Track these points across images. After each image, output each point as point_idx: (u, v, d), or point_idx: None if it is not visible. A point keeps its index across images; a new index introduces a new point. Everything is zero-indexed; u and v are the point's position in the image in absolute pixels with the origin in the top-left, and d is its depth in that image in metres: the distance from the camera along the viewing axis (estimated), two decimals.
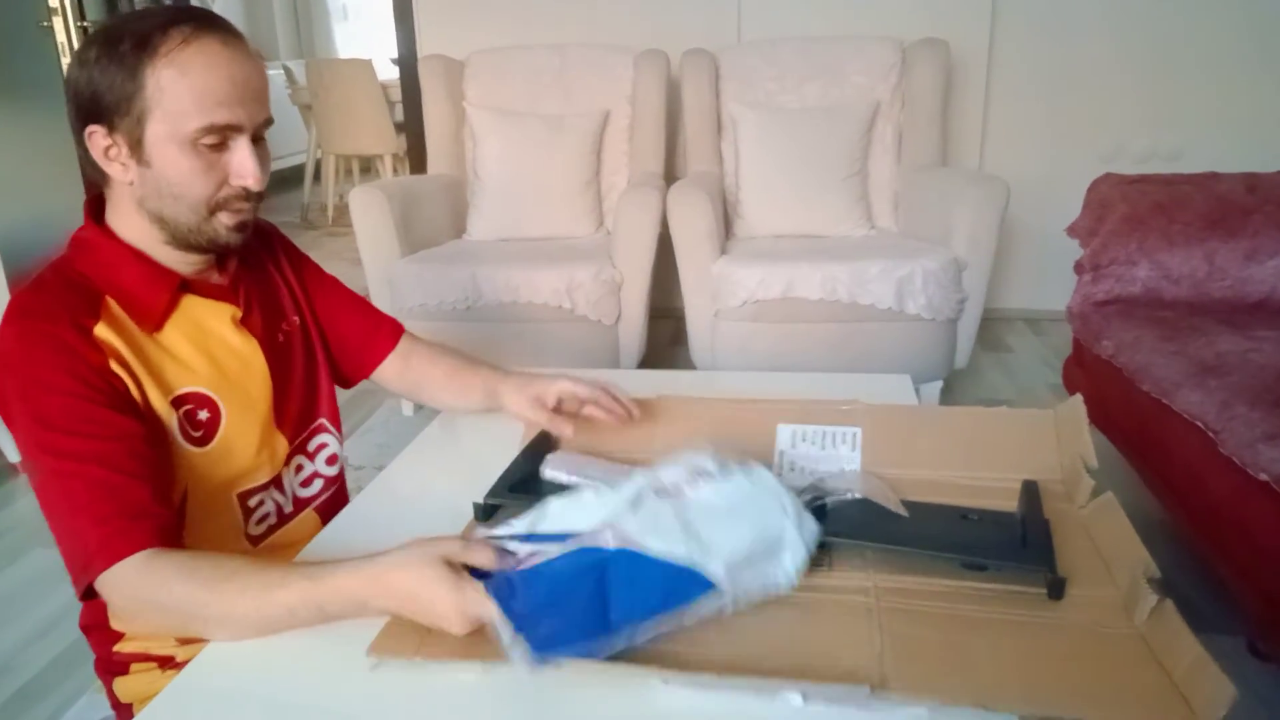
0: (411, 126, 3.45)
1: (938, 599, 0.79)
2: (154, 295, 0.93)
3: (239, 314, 1.01)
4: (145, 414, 0.89)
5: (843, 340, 2.31)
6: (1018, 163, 3.18)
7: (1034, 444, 1.04)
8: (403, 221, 2.59)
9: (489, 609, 0.70)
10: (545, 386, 1.13)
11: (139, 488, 0.82)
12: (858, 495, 0.94)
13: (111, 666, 1.01)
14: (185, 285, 0.97)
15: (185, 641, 0.97)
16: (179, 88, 0.85)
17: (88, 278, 0.90)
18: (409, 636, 0.74)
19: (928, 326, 2.31)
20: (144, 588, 0.79)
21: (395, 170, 5.31)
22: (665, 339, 3.19)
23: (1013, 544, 0.87)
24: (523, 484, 0.98)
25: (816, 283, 2.25)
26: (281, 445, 1.05)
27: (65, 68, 2.68)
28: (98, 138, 0.88)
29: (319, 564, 0.78)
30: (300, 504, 1.09)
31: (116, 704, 1.03)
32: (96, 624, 1.00)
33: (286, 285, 1.12)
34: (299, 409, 1.09)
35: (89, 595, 0.82)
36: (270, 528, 1.05)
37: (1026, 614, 0.77)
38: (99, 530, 0.79)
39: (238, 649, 0.77)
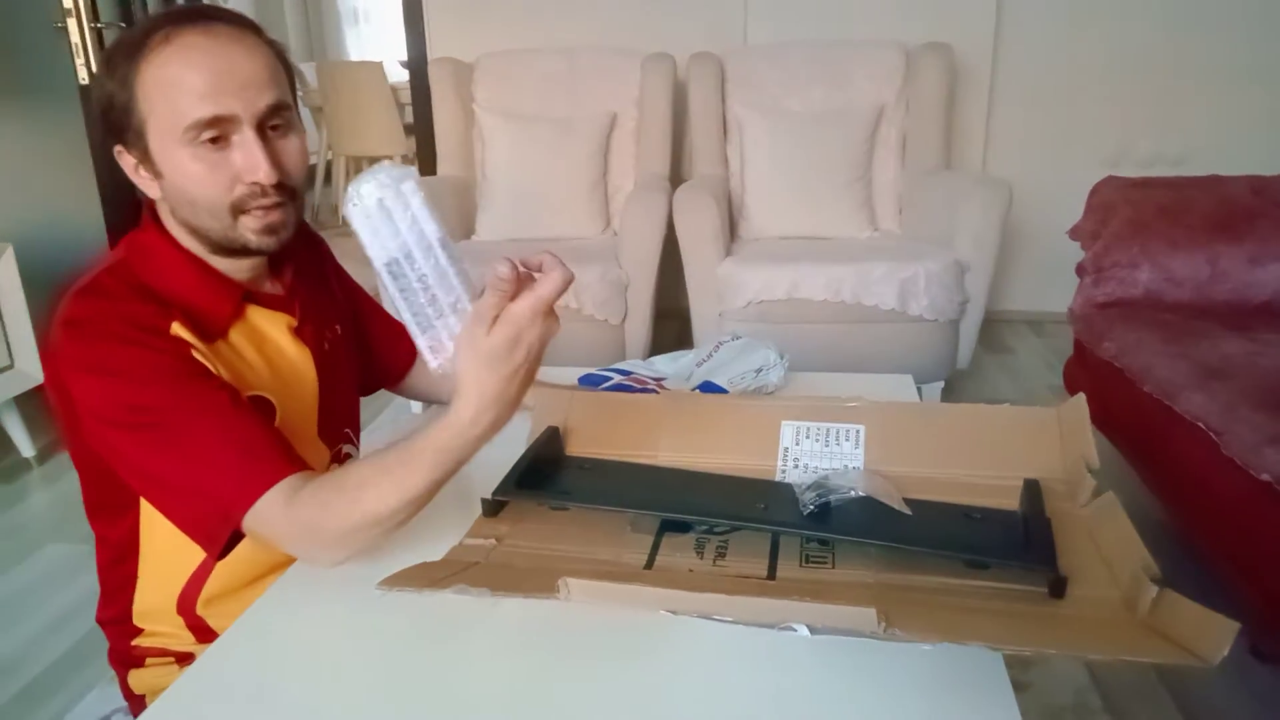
0: (421, 128, 3.46)
1: (940, 596, 0.79)
2: (219, 305, 0.91)
3: (295, 324, 0.99)
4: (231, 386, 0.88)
5: (846, 341, 2.32)
6: (1021, 166, 3.19)
7: (1036, 443, 1.04)
8: None
9: (544, 287, 0.73)
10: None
11: (254, 424, 0.82)
12: (861, 493, 0.94)
13: (127, 659, 1.01)
14: (249, 295, 0.95)
15: (204, 639, 0.97)
16: (163, 89, 0.82)
17: (150, 287, 0.87)
18: (419, 577, 0.74)
19: (930, 328, 2.32)
20: (298, 514, 0.78)
21: None
22: (670, 339, 3.19)
23: (1015, 543, 0.87)
24: (530, 479, 0.98)
25: (821, 284, 2.27)
26: (323, 454, 1.04)
27: (78, 69, 2.71)
28: (124, 157, 0.87)
29: (423, 437, 0.77)
30: None
31: (129, 695, 1.03)
32: (117, 618, 1.00)
33: (331, 293, 1.11)
34: (339, 419, 1.08)
35: (227, 552, 0.81)
36: None
37: (1027, 610, 0.77)
38: (230, 475, 0.78)
39: (252, 642, 0.77)
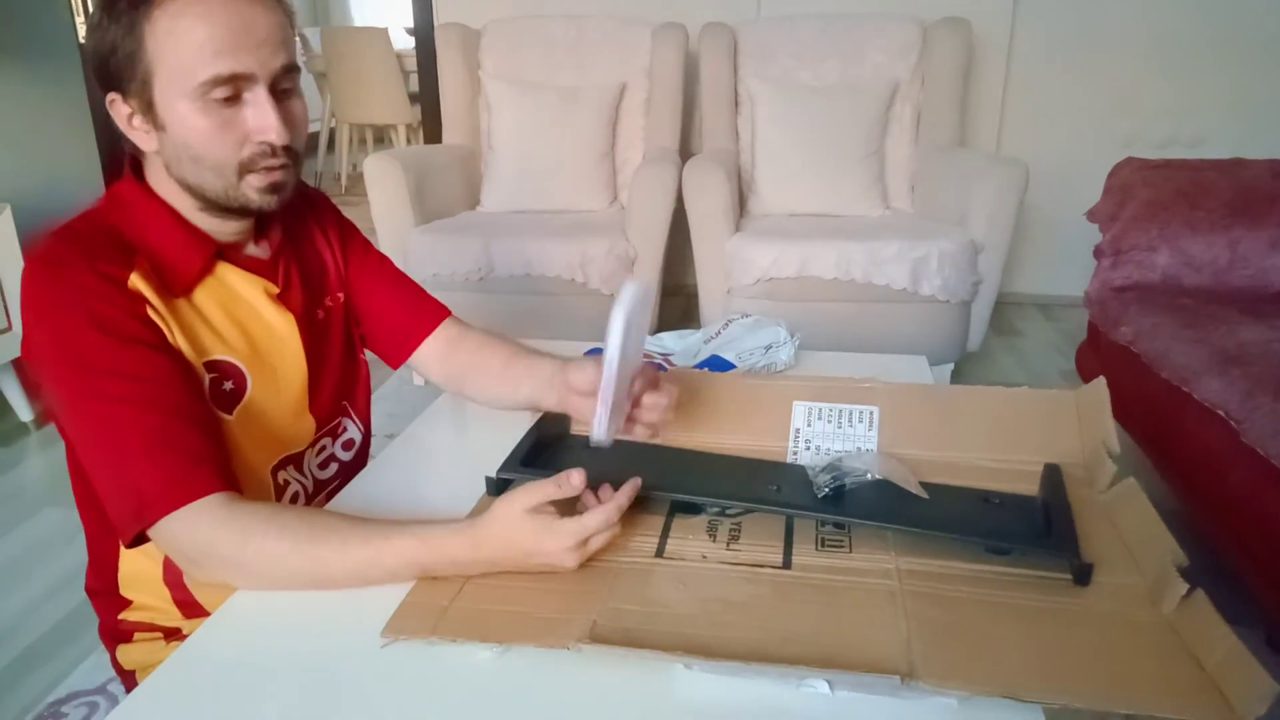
0: (427, 96, 3.42)
1: (962, 583, 0.77)
2: (187, 259, 0.88)
3: (275, 290, 0.96)
4: (185, 365, 0.86)
5: (855, 320, 2.29)
6: (1035, 146, 3.14)
7: (1055, 426, 1.02)
8: (417, 191, 2.56)
9: (586, 523, 0.76)
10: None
11: (193, 430, 0.79)
12: (877, 476, 0.92)
13: (115, 633, 1.00)
14: (221, 253, 0.92)
15: (191, 615, 0.95)
16: (176, 40, 0.79)
17: (120, 232, 0.85)
18: (423, 617, 0.73)
19: (942, 308, 2.29)
20: (216, 538, 0.76)
21: (409, 140, 5.28)
22: (676, 315, 3.16)
23: (1036, 528, 0.85)
24: (536, 457, 0.97)
25: (831, 262, 2.23)
26: (308, 426, 1.02)
27: (78, 27, 2.67)
28: (118, 105, 0.84)
29: (415, 523, 0.78)
30: (319, 486, 1.06)
31: (120, 670, 1.02)
32: (104, 589, 0.98)
33: (334, 260, 1.07)
34: (333, 391, 1.05)
35: (137, 542, 0.79)
36: None
37: (1052, 600, 0.75)
38: (157, 474, 0.76)
39: (243, 620, 0.76)
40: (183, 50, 0.79)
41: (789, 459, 1.02)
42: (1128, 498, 0.88)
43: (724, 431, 1.06)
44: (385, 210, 2.53)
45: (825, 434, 1.06)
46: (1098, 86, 3.17)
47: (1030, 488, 0.94)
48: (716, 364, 1.29)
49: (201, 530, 0.76)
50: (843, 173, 2.69)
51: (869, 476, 0.92)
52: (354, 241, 1.11)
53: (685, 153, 2.88)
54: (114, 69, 0.82)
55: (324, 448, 1.06)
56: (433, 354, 1.12)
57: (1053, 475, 0.94)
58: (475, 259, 2.40)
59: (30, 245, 0.82)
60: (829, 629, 0.71)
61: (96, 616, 1.02)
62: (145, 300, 0.83)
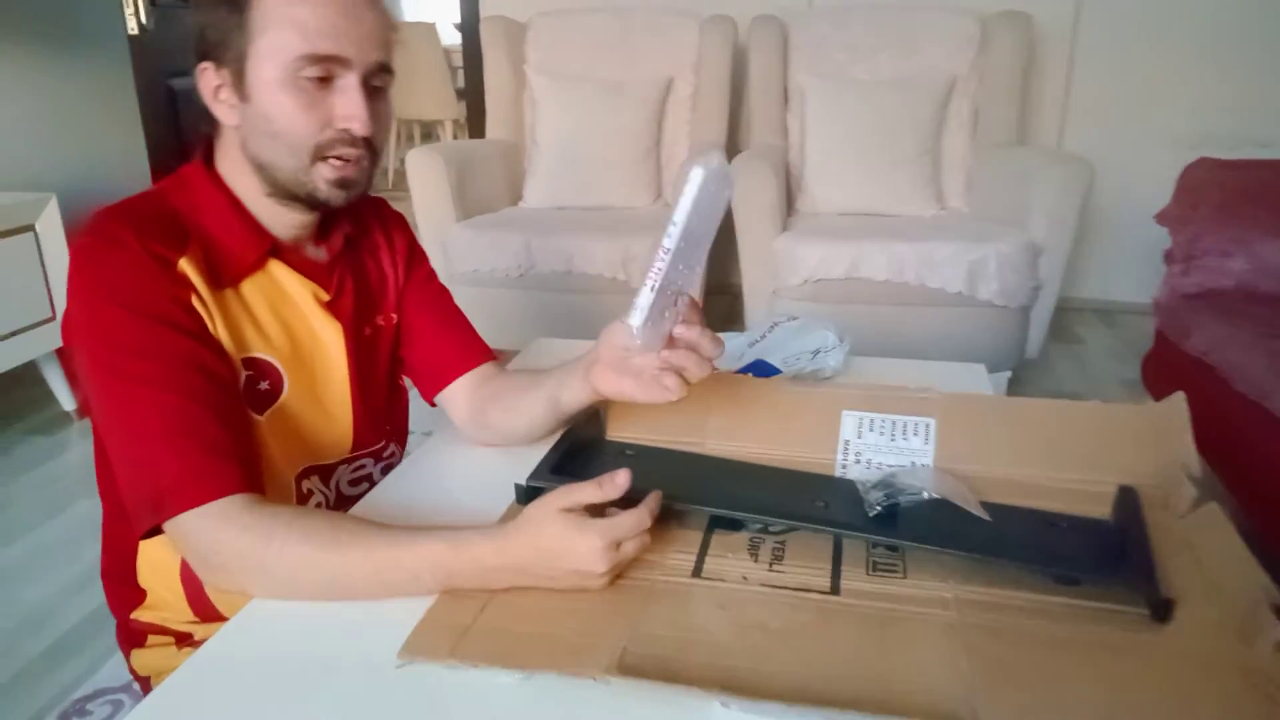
0: (472, 90, 3.40)
1: (1026, 616, 0.71)
2: (241, 250, 0.87)
3: (326, 297, 0.94)
4: (222, 357, 0.84)
5: (907, 325, 2.21)
6: (1097, 145, 3.02)
7: (1128, 444, 0.95)
8: (459, 185, 2.54)
9: (619, 523, 0.72)
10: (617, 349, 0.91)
11: (220, 424, 0.77)
12: (934, 495, 0.86)
13: (130, 636, 0.98)
14: (276, 250, 0.90)
15: (206, 619, 0.93)
16: (282, 13, 0.80)
17: (178, 215, 0.85)
18: (442, 637, 0.68)
19: (999, 314, 2.20)
20: (237, 540, 0.74)
21: (455, 136, 5.29)
22: (720, 316, 3.10)
23: (1109, 557, 0.79)
24: (567, 466, 0.92)
25: (883, 263, 2.16)
26: (344, 440, 0.98)
27: (127, 19, 2.68)
28: (208, 75, 0.84)
29: (441, 527, 0.75)
30: (342, 501, 1.02)
31: (136, 675, 1.00)
32: (119, 574, 0.95)
33: (395, 279, 1.04)
34: (379, 414, 1.03)
35: (152, 534, 0.77)
36: None
37: (1127, 637, 0.68)
38: (177, 463, 0.74)
39: (260, 628, 0.72)
40: (289, 24, 0.80)
41: (838, 473, 0.97)
42: (1210, 524, 0.81)
43: (767, 441, 1.00)
44: (426, 204, 2.51)
45: (877, 447, 1.00)
46: (1164, 84, 3.05)
47: (1101, 510, 0.87)
48: (761, 369, 1.24)
49: (222, 531, 0.74)
50: (895, 171, 2.61)
51: (925, 495, 0.86)
52: (420, 267, 1.09)
53: (732, 149, 2.82)
54: (212, 38, 0.82)
55: (362, 467, 1.03)
56: (463, 389, 1.06)
57: (1127, 498, 0.87)
58: (515, 255, 2.37)
59: (85, 219, 0.81)
60: (880, 665, 0.65)
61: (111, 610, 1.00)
62: (191, 286, 0.82)
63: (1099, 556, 0.79)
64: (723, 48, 2.79)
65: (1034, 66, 2.88)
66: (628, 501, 0.75)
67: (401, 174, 5.43)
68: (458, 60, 4.19)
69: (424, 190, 2.51)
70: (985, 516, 0.84)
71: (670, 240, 0.74)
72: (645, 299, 0.76)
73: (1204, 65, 3.02)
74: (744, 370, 1.22)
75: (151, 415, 0.75)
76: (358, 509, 0.93)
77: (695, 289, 0.83)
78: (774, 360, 1.26)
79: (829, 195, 2.66)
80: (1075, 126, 3.12)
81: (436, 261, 2.48)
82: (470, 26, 3.36)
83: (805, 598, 0.74)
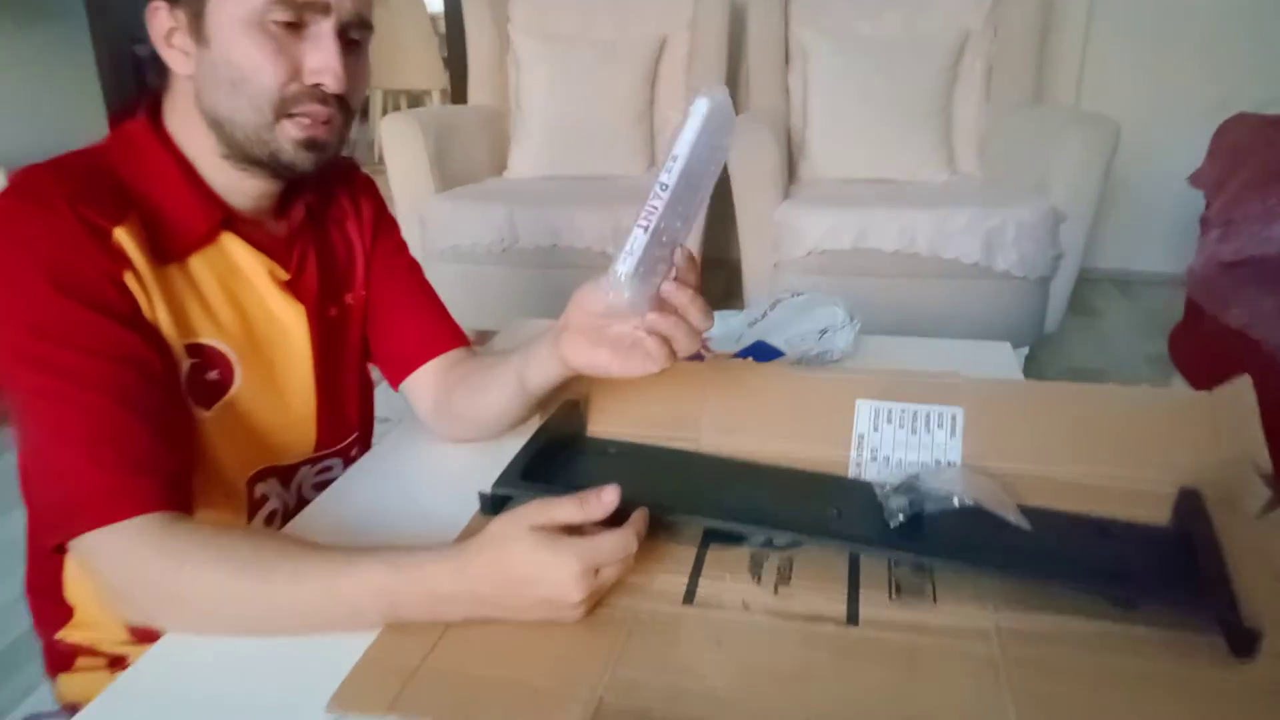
0: (454, 53, 3.30)
1: (1080, 648, 0.62)
2: (190, 219, 0.79)
3: (285, 276, 0.86)
4: (158, 345, 0.75)
5: (919, 299, 2.09)
6: (1115, 105, 2.87)
7: (1183, 436, 0.85)
8: (438, 155, 2.43)
9: (599, 544, 0.63)
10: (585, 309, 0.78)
11: (147, 430, 0.70)
12: (967, 501, 0.76)
13: (56, 658, 0.88)
14: (229, 222, 0.81)
15: (141, 640, 0.83)
16: None
17: (119, 178, 0.76)
18: (382, 684, 0.59)
19: (1018, 286, 2.09)
20: (148, 563, 0.65)
21: None
22: (717, 292, 2.98)
23: (1175, 573, 0.70)
24: (541, 470, 0.82)
25: (893, 233, 2.03)
26: (307, 438, 0.90)
27: None
28: (160, 15, 0.75)
29: (387, 548, 0.65)
30: (304, 508, 0.93)
31: (64, 704, 0.90)
32: (45, 588, 0.85)
33: (364, 251, 0.96)
34: (345, 406, 0.94)
35: (61, 550, 0.69)
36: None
37: (1202, 672, 0.60)
38: (93, 475, 0.67)
39: (190, 654, 0.64)
40: None
41: (851, 472, 0.87)
42: None
43: (770, 436, 0.89)
44: (403, 175, 2.41)
45: (896, 442, 0.89)
46: (1186, 42, 2.92)
47: (1156, 515, 0.78)
48: (762, 351, 1.12)
49: (130, 553, 0.65)
50: (905, 134, 2.49)
51: (955, 501, 0.76)
52: (388, 237, 1.00)
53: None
54: None
55: (329, 469, 0.95)
56: (430, 376, 0.96)
57: (1191, 503, 0.77)
58: (498, 228, 2.25)
59: (10, 176, 0.74)
60: (909, 711, 0.57)
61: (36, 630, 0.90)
62: (127, 261, 0.73)
63: (1162, 573, 0.70)
64: (719, 4, 2.67)
65: (1050, 22, 2.73)
66: (613, 516, 0.65)
67: None
68: (444, 28, 4.06)
69: (400, 160, 2.40)
70: (1025, 525, 0.74)
71: (669, 175, 0.64)
72: (638, 241, 0.64)
73: (1228, 23, 2.88)
74: (743, 354, 1.12)
75: (71, 417, 0.68)
76: (298, 521, 0.83)
77: (689, 245, 0.71)
78: (776, 341, 1.14)
79: (833, 161, 2.55)
80: (1092, 86, 3.00)
81: (413, 237, 2.37)
82: None
83: (817, 630, 0.64)
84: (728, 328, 1.23)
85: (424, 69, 5.07)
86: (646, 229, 0.64)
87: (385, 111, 5.49)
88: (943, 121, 2.53)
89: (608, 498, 0.65)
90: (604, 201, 2.32)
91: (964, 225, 2.01)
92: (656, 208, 0.64)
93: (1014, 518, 0.75)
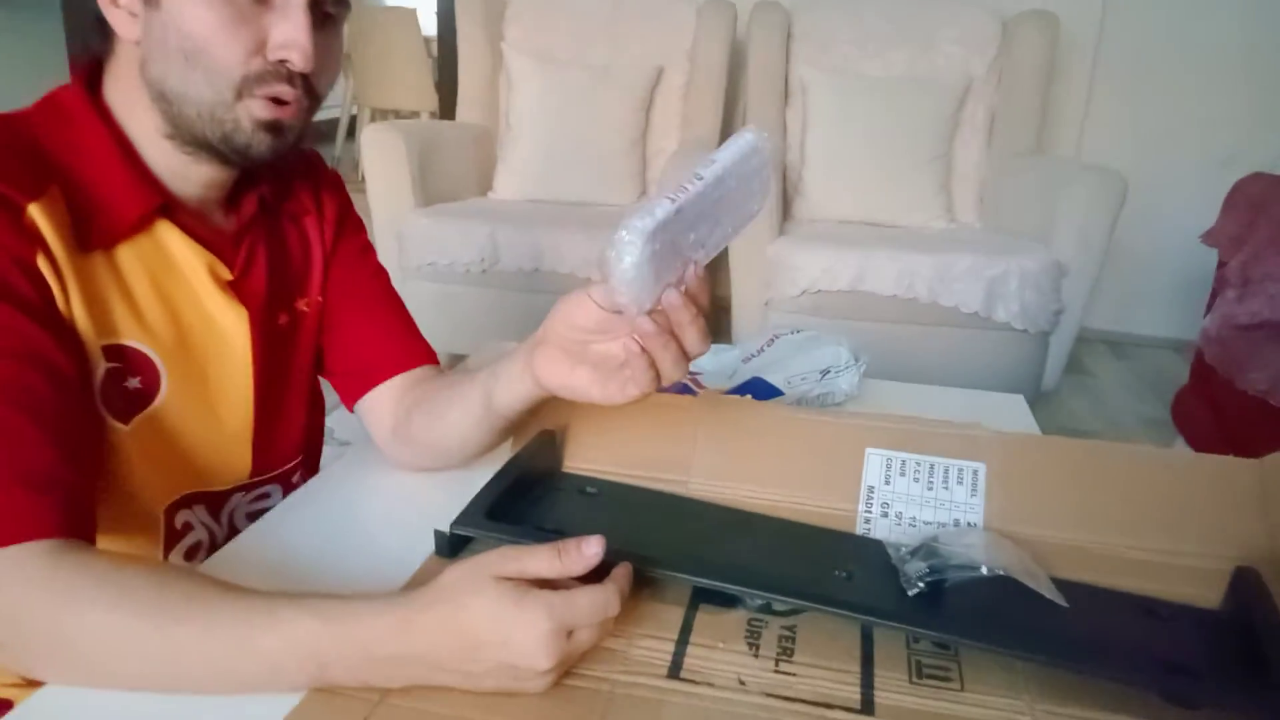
0: (445, 71, 3.23)
1: None
2: (121, 202, 0.69)
3: (229, 276, 0.76)
4: (70, 343, 0.66)
5: (914, 346, 2.02)
6: (1116, 160, 2.83)
7: (1231, 506, 0.77)
8: (421, 169, 2.35)
9: (576, 602, 0.54)
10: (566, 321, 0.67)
11: (47, 441, 0.60)
12: (996, 570, 0.67)
13: None
14: (167, 210, 0.72)
15: (33, 682, 0.68)
16: None
17: (41, 149, 0.67)
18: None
19: (1017, 339, 2.03)
20: (27, 600, 0.55)
21: None
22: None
23: (1237, 666, 0.62)
24: (509, 508, 0.71)
25: (891, 276, 1.96)
26: (241, 461, 0.80)
27: None
28: None
29: (318, 596, 0.55)
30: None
31: None
32: None
33: (323, 253, 0.86)
34: (296, 423, 0.85)
35: None
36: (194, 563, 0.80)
37: None
38: None
39: (81, 702, 0.55)
40: None
41: (859, 528, 0.78)
42: None
43: (768, 482, 0.80)
44: (383, 188, 2.32)
45: (910, 497, 0.79)
46: (1189, 98, 2.89)
47: (1206, 594, 0.70)
48: (759, 389, 1.03)
49: (8, 587, 0.55)
50: (903, 177, 2.44)
51: (982, 570, 0.67)
52: (351, 237, 0.90)
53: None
54: None
55: (266, 496, 0.85)
56: (389, 396, 0.86)
57: (1249, 583, 0.69)
58: (479, 248, 2.17)
59: None
60: None
61: None
62: (42, 242, 0.64)
63: (1223, 666, 0.62)
64: (720, 35, 2.62)
65: (1053, 73, 2.70)
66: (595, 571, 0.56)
67: None
68: (437, 52, 4.03)
69: (381, 172, 2.31)
70: (1061, 601, 0.65)
71: (706, 171, 0.57)
72: (662, 208, 0.55)
73: (1232, 79, 2.85)
74: (738, 390, 1.02)
75: None
76: (220, 556, 0.72)
77: (709, 250, 0.63)
78: (774, 379, 1.05)
79: (829, 200, 2.49)
80: (1094, 137, 2.96)
81: (390, 253, 2.27)
82: (447, 3, 3.16)
83: (826, 718, 0.55)
84: (721, 363, 1.14)
85: (414, 90, 5.03)
86: (674, 202, 0.55)
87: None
88: (942, 167, 2.49)
89: (590, 550, 0.55)
90: (591, 228, 2.24)
91: (965, 272, 1.94)
92: (688, 189, 0.56)
93: (1048, 592, 0.66)
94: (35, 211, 0.63)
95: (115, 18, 0.68)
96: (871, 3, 2.62)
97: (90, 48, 0.72)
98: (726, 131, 2.78)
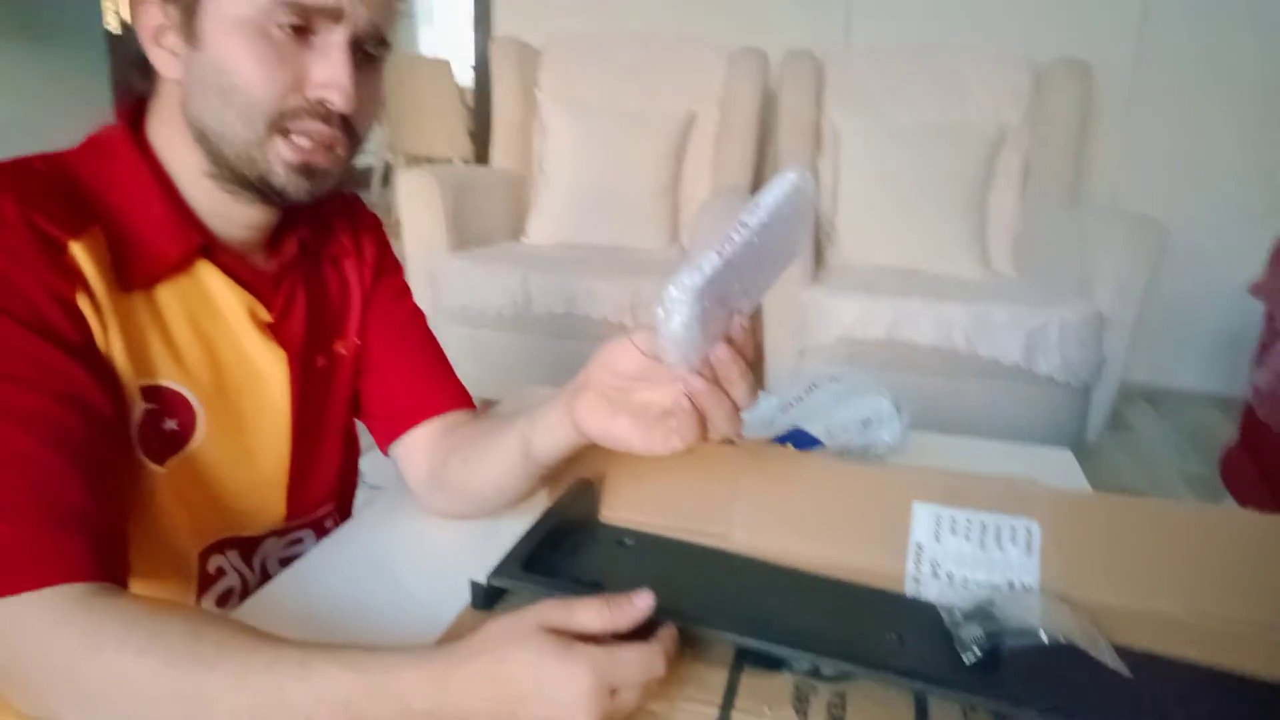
0: (480, 118, 3.26)
1: None
2: (162, 242, 0.69)
3: (268, 318, 0.76)
4: (108, 383, 0.65)
5: (951, 397, 1.98)
6: (1155, 208, 2.79)
7: None
8: (455, 213, 2.35)
9: (624, 658, 0.52)
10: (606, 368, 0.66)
11: (81, 482, 0.59)
12: (1057, 637, 0.63)
13: None
14: (208, 251, 0.72)
15: None
16: None
17: (84, 187, 0.68)
18: None
19: (1058, 391, 1.98)
20: (56, 643, 0.53)
21: None
22: None
23: None
24: (544, 558, 0.69)
25: (929, 325, 1.93)
26: (276, 507, 0.80)
27: (108, 15, 2.50)
28: (151, 11, 0.67)
29: (351, 647, 0.54)
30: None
31: None
32: None
33: (362, 295, 0.86)
34: (331, 469, 0.84)
35: None
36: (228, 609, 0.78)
37: None
38: (3, 531, 0.56)
39: None
40: None
41: (908, 588, 0.75)
42: None
43: (813, 537, 0.78)
44: (417, 231, 2.33)
45: (961, 556, 0.76)
46: (1228, 146, 2.83)
47: (1275, 667, 0.65)
48: (799, 439, 1.00)
49: (34, 627, 0.54)
50: (937, 225, 2.41)
51: (1041, 636, 0.64)
52: (390, 279, 0.90)
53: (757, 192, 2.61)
54: None
55: (299, 541, 0.84)
56: (425, 439, 0.84)
57: None
58: (511, 292, 2.16)
59: None
60: None
61: None
62: (82, 280, 0.64)
63: None
64: (751, 83, 2.62)
65: (1088, 121, 2.68)
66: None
67: None
68: (471, 99, 4.09)
69: (416, 216, 2.31)
70: (1124, 671, 0.62)
71: (751, 218, 0.55)
72: (710, 262, 0.54)
73: (1273, 123, 2.79)
74: (778, 440, 0.99)
75: None
76: (252, 603, 0.70)
77: (753, 299, 0.62)
78: (814, 429, 1.03)
79: (862, 248, 2.46)
80: (1130, 188, 2.91)
81: (423, 295, 2.27)
82: (482, 51, 3.22)
83: None
84: (758, 411, 1.12)
85: (448, 138, 5.09)
86: (721, 255, 0.53)
87: None
88: (977, 216, 2.46)
89: (641, 603, 0.54)
90: (623, 273, 2.22)
91: (1005, 323, 1.90)
92: (735, 240, 0.54)
93: (1111, 661, 0.63)
94: (77, 250, 0.63)
95: (158, 57, 0.68)
96: (903, 52, 2.62)
97: (134, 87, 0.72)
98: (758, 178, 2.77)
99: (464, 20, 3.93)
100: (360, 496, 0.92)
